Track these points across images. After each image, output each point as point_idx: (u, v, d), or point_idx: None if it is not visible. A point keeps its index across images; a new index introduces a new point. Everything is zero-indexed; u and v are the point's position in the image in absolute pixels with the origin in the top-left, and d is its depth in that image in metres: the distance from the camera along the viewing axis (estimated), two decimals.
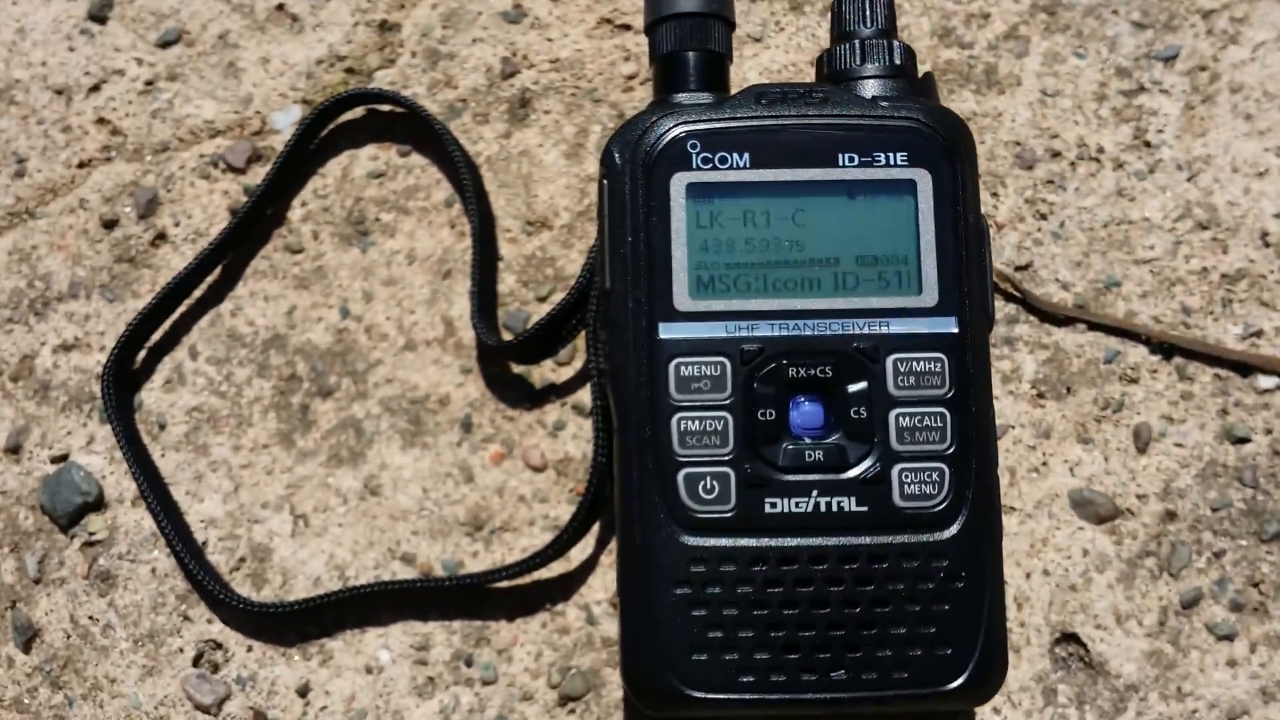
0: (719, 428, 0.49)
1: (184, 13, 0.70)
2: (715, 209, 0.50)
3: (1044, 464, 0.61)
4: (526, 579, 0.60)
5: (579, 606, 0.61)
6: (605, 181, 0.50)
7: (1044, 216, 0.64)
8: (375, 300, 0.65)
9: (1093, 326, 0.62)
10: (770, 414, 0.50)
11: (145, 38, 0.70)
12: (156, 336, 0.65)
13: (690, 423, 0.49)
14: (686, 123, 0.50)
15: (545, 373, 0.64)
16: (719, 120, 0.50)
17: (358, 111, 0.67)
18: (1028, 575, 0.60)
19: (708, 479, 0.49)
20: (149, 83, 0.69)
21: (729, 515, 0.49)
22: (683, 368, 0.50)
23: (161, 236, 0.67)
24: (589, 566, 0.61)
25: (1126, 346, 0.62)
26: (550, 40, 0.68)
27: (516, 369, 0.63)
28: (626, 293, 0.50)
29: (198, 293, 0.66)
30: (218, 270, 0.66)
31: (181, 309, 0.65)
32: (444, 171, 0.66)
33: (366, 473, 0.63)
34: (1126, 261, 0.63)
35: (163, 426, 0.64)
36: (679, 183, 0.50)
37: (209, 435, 0.64)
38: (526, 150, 0.66)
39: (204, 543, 0.62)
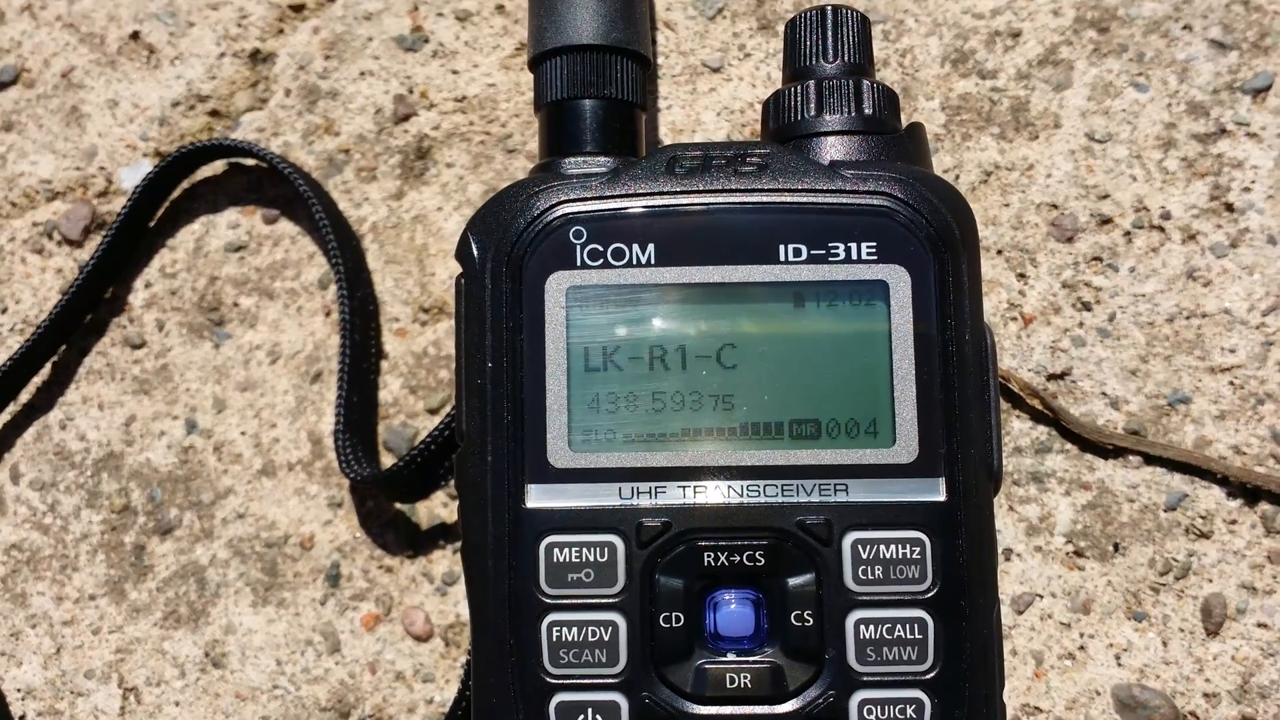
0: (606, 637, 0.43)
1: (26, 46, 0.64)
2: (606, 321, 0.44)
3: (1081, 649, 0.55)
4: None
5: None
6: (462, 282, 0.44)
7: (1088, 307, 0.58)
8: (228, 410, 0.59)
9: (1150, 460, 0.57)
10: (678, 618, 0.43)
11: None
12: None
13: (567, 630, 0.43)
14: (569, 201, 0.44)
15: (434, 508, 0.57)
16: (614, 197, 0.44)
17: (217, 166, 0.62)
18: None
19: (590, 712, 0.42)
20: None
21: None
22: (558, 550, 0.43)
23: None
24: None
25: (1196, 488, 0.57)
26: (455, 73, 0.62)
27: (400, 504, 0.57)
28: (484, 441, 0.43)
29: (25, 396, 0.61)
30: (47, 369, 0.61)
31: (3, 418, 0.61)
32: (318, 243, 0.61)
33: (209, 636, 0.57)
34: (1198, 370, 0.58)
35: None
36: (557, 285, 0.44)
37: (29, 581, 0.59)
38: (422, 215, 0.60)
39: (21, 717, 0.57)
